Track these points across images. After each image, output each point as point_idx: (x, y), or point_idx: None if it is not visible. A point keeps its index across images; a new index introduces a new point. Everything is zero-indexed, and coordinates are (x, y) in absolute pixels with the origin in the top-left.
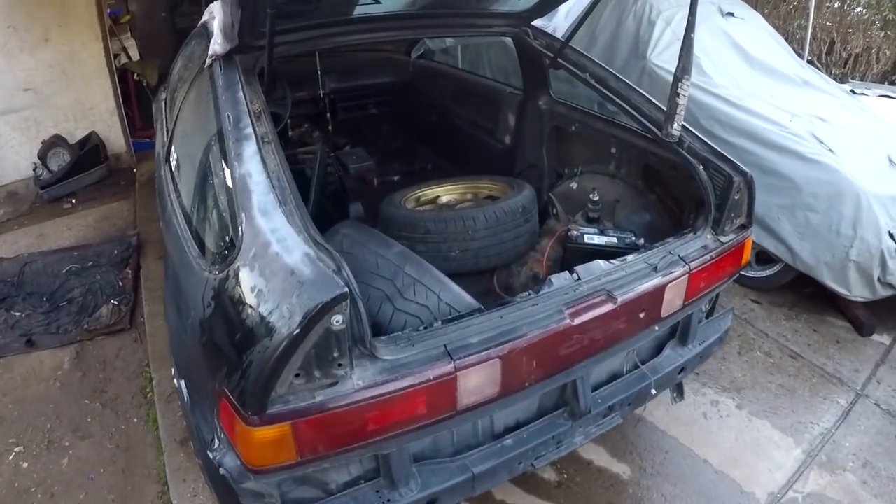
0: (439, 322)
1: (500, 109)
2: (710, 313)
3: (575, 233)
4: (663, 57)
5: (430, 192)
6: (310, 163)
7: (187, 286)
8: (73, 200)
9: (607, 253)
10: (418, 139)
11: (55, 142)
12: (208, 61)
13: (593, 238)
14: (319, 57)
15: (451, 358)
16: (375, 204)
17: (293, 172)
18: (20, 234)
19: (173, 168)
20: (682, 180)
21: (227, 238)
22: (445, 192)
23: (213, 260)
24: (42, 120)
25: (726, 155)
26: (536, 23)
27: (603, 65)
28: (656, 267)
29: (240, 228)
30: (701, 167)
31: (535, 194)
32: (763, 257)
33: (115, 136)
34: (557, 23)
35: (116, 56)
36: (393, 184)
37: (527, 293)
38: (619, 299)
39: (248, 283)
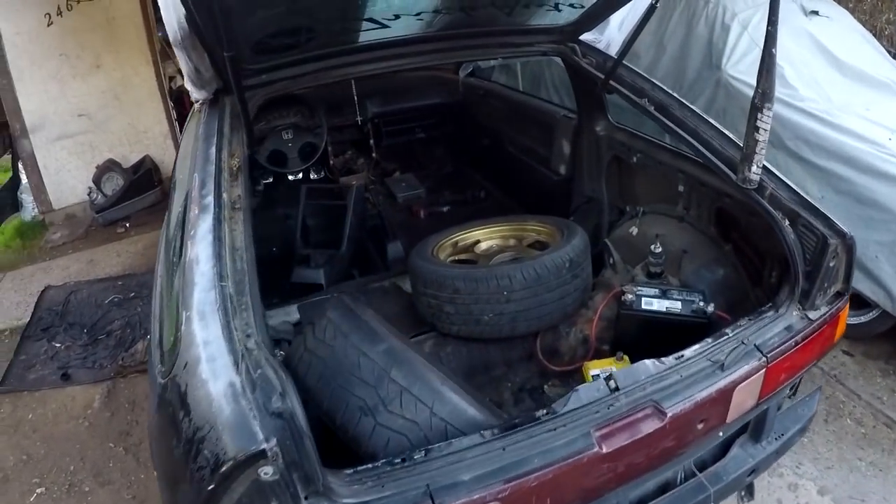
0: (422, 453)
1: (554, 135)
2: (792, 393)
3: (630, 296)
4: (740, 67)
5: (468, 236)
6: (349, 195)
7: (150, 375)
8: (127, 224)
9: (668, 322)
10: (470, 165)
11: (109, 166)
12: (196, 106)
13: (652, 303)
14: (359, 80)
15: (433, 502)
16: (420, 239)
17: (333, 208)
18: (73, 259)
19: (164, 223)
20: (764, 230)
21: (171, 337)
22: (486, 237)
23: (161, 357)
24: (97, 144)
25: (819, 208)
26: (586, 37)
27: (664, 87)
28: (723, 364)
29: (181, 330)
30: (787, 223)
31: (588, 242)
32: (857, 301)
33: (169, 160)
34: (611, 36)
35: (172, 78)
36: (441, 216)
37: (543, 411)
38: (670, 413)
39: (176, 403)
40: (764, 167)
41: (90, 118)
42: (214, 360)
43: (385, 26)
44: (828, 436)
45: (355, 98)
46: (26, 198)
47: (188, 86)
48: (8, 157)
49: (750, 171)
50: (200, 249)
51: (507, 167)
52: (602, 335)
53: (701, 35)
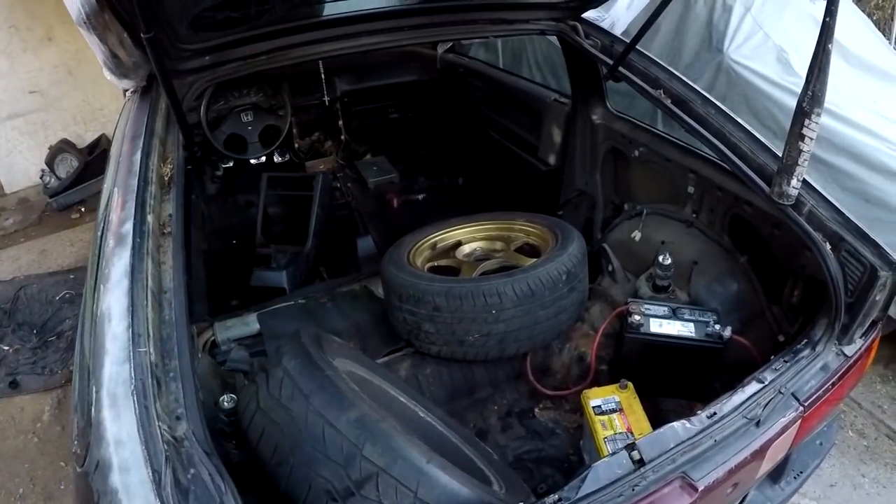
0: None
1: (543, 121)
2: None
3: (637, 317)
4: (743, 51)
5: (448, 236)
6: (315, 185)
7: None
8: (83, 209)
9: (680, 347)
10: (448, 148)
11: (62, 147)
12: (126, 96)
13: (662, 324)
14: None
15: None
16: (394, 232)
17: (298, 198)
18: (24, 249)
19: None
20: (788, 245)
21: (84, 413)
22: (469, 238)
23: (77, 430)
24: (50, 123)
25: (868, 232)
26: (588, 15)
27: (683, 78)
28: (759, 421)
29: (91, 411)
30: (828, 246)
31: (585, 248)
32: None
33: None
34: (617, 15)
35: None
36: (417, 205)
37: (555, 497)
38: (701, 486)
39: None
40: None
41: (42, 95)
42: (128, 472)
43: None
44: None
45: (322, 76)
46: None
47: (107, 75)
48: None
49: (789, 184)
50: (113, 300)
51: (488, 153)
52: (599, 353)
53: (700, 14)
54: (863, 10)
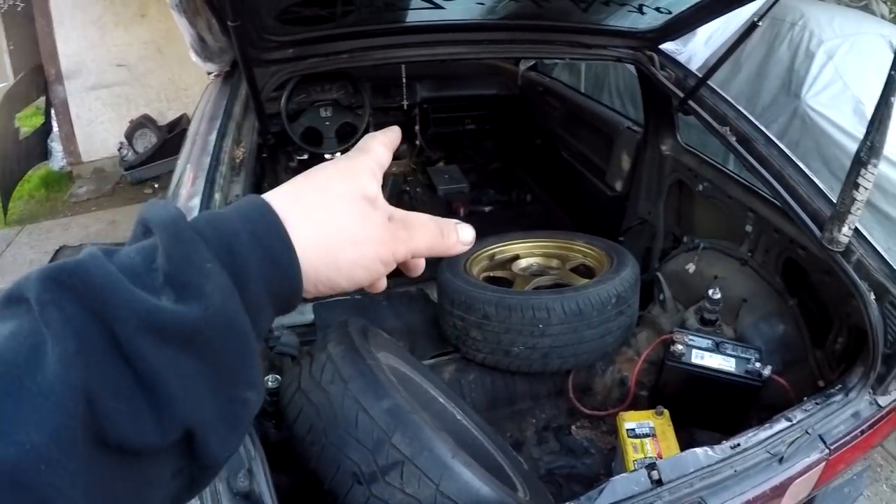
0: None
1: (614, 147)
2: None
3: (680, 347)
4: (821, 99)
5: (507, 249)
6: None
7: None
8: (156, 185)
9: (718, 380)
10: (519, 164)
11: (143, 122)
12: (209, 79)
13: (703, 356)
14: (410, 63)
15: None
16: None
17: None
18: (94, 218)
19: None
20: (836, 292)
21: None
22: (527, 253)
23: None
24: (133, 98)
25: None
26: (666, 47)
27: (751, 117)
28: (782, 458)
29: None
30: (872, 296)
31: (638, 274)
32: None
33: None
34: (694, 49)
35: None
36: (483, 216)
37: None
38: None
39: None
40: (856, 229)
41: (129, 70)
42: None
43: (439, 7)
44: (863, 501)
45: (404, 80)
46: (56, 146)
47: (193, 57)
48: (43, 101)
49: (840, 231)
50: None
51: (558, 173)
52: (641, 378)
53: (782, 59)
54: None
